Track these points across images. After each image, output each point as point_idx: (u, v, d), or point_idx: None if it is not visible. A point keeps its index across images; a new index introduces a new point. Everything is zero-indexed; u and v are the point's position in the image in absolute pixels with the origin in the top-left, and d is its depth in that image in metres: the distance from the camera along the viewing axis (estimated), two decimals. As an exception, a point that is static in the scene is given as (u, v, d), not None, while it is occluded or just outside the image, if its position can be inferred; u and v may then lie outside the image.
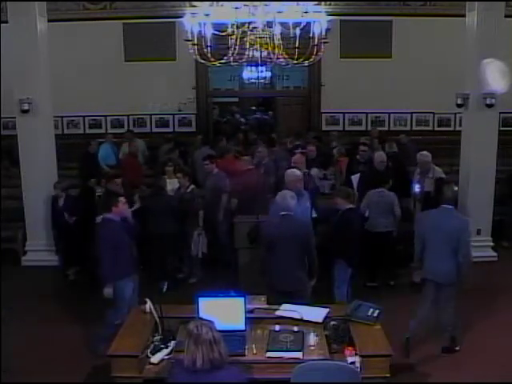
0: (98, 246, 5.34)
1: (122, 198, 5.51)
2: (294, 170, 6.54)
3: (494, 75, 7.70)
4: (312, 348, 3.98)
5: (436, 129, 12.79)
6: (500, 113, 8.29)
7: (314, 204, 6.88)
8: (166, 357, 3.92)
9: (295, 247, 5.21)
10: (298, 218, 5.52)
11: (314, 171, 8.39)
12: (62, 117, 12.12)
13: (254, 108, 17.87)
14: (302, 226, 5.37)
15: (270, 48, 6.11)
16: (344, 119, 12.85)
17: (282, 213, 5.31)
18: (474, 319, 6.20)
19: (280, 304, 4.55)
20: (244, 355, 3.89)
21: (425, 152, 7.83)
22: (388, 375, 3.85)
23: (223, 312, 3.94)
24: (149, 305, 4.34)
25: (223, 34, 5.96)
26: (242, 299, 4.14)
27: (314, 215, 6.83)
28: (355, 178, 8.14)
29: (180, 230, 7.31)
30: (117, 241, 5.33)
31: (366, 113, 12.72)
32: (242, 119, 17.35)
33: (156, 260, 7.32)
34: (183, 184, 7.48)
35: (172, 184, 7.78)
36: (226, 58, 6.17)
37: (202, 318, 3.32)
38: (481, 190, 8.07)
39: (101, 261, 5.27)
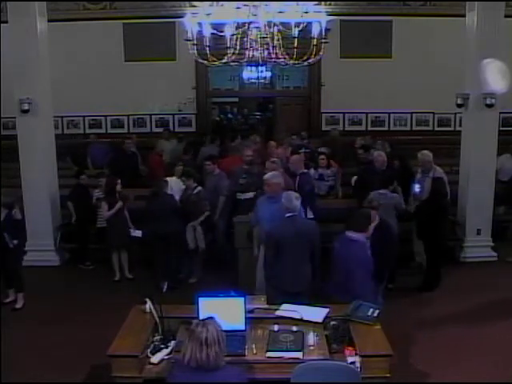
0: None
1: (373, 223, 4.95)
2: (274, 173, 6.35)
3: (494, 75, 7.69)
4: (312, 348, 3.97)
5: (436, 129, 12.81)
6: (500, 113, 8.28)
7: (311, 205, 6.91)
8: (166, 357, 3.91)
9: (302, 247, 5.23)
10: (304, 219, 5.52)
11: (311, 172, 8.39)
12: (62, 117, 12.14)
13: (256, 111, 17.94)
14: (307, 227, 5.39)
15: (270, 48, 6.12)
16: (344, 119, 12.86)
17: (288, 214, 5.32)
18: (474, 319, 6.20)
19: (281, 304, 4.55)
20: (244, 355, 3.88)
21: (425, 151, 7.78)
22: (388, 375, 3.83)
23: (223, 312, 3.92)
24: (149, 305, 4.33)
25: (223, 34, 5.97)
26: (242, 299, 4.13)
27: (311, 216, 6.85)
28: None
29: (181, 231, 7.31)
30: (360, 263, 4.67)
31: (366, 113, 12.73)
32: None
33: (156, 260, 7.33)
34: (189, 186, 7.47)
35: (181, 184, 7.77)
36: (226, 58, 6.18)
37: (211, 318, 3.25)
38: (481, 190, 8.06)
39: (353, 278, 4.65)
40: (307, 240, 5.26)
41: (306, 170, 7.66)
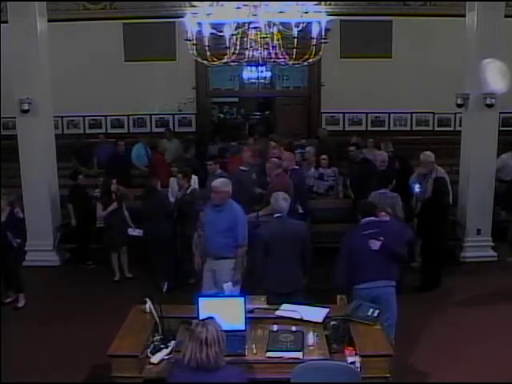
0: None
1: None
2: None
3: (494, 75, 7.69)
4: (312, 348, 3.97)
5: (436, 129, 12.79)
6: (500, 113, 8.28)
7: (301, 200, 6.99)
8: (166, 357, 3.91)
9: (291, 248, 5.21)
10: (292, 220, 5.52)
11: (311, 171, 8.64)
12: (62, 117, 12.13)
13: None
14: (296, 227, 5.36)
15: (270, 48, 6.11)
16: (344, 119, 12.85)
17: (276, 215, 5.32)
18: (474, 319, 6.20)
19: (279, 305, 4.55)
20: (244, 355, 3.89)
21: (428, 152, 7.78)
22: (388, 375, 3.83)
23: (223, 312, 3.92)
24: (149, 305, 4.33)
25: (223, 34, 5.97)
26: (242, 299, 4.15)
27: (301, 211, 6.92)
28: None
29: (177, 230, 7.30)
30: None
31: (366, 113, 12.72)
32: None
33: (154, 260, 7.32)
34: (183, 185, 7.46)
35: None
36: (225, 58, 6.18)
37: (211, 318, 3.26)
38: (481, 190, 8.07)
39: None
40: (296, 241, 5.23)
41: (296, 167, 7.77)
